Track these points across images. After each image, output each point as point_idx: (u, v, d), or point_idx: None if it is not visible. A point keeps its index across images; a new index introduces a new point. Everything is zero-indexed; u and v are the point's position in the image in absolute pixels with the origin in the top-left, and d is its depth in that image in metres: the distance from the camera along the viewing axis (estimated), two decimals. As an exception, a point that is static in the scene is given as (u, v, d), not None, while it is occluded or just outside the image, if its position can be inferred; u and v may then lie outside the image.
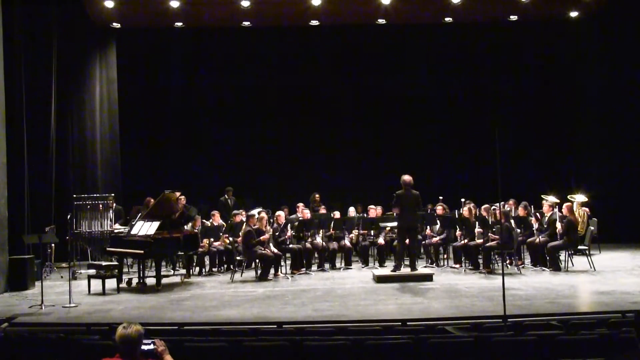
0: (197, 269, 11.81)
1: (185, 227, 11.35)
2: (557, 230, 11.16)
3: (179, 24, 14.47)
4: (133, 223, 10.97)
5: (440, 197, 12.71)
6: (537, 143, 16.23)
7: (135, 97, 15.51)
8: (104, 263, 10.49)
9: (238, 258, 11.41)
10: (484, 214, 11.68)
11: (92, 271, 10.25)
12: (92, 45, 14.64)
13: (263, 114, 16.29)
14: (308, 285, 10.41)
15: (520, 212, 11.86)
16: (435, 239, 12.10)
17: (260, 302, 9.07)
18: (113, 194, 13.16)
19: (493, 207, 11.53)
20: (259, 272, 11.18)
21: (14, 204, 11.19)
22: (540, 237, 11.35)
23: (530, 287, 9.61)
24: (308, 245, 11.87)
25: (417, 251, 11.62)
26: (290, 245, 11.74)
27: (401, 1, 13.65)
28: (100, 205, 12.47)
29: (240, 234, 11.29)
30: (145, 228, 10.37)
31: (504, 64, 16.14)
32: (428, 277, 10.37)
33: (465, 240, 11.57)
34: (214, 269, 11.90)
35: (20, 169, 11.75)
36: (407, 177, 10.69)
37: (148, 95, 15.79)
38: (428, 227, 12.35)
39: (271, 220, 11.96)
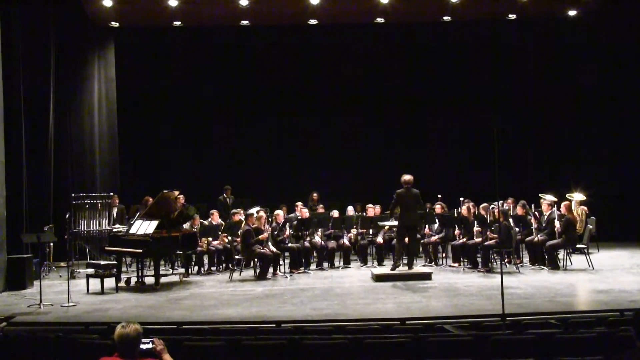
0: (196, 268, 11.81)
1: (184, 226, 11.35)
2: (555, 229, 11.17)
3: (178, 22, 14.46)
4: (132, 222, 10.96)
5: (439, 196, 12.72)
6: (536, 142, 16.25)
7: (133, 96, 15.50)
8: (102, 262, 10.48)
9: (237, 257, 11.40)
10: (483, 212, 11.69)
11: (91, 270, 10.24)
12: (91, 44, 14.64)
13: (261, 113, 16.29)
14: (307, 284, 10.41)
15: (519, 210, 11.87)
16: (434, 238, 12.11)
17: (259, 301, 9.08)
18: (116, 195, 13.22)
19: (492, 205, 11.53)
20: (257, 271, 11.19)
21: (12, 203, 11.19)
22: (538, 235, 11.36)
23: (529, 285, 9.62)
24: (307, 244, 11.87)
25: (416, 250, 11.63)
26: (289, 244, 11.74)
27: (400, 0, 13.64)
28: (99, 204, 12.46)
29: (239, 233, 11.29)
30: (143, 227, 10.36)
31: (503, 63, 16.14)
32: (427, 276, 10.38)
33: (464, 239, 11.58)
34: (212, 268, 11.90)
35: (18, 168, 11.75)
36: (407, 177, 10.69)
37: (147, 94, 15.78)
38: (427, 226, 12.35)
39: (270, 219, 11.97)
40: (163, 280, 10.51)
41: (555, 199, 11.89)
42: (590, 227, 12.06)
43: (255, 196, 14.43)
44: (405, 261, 10.93)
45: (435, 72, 16.25)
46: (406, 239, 10.93)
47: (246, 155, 16.18)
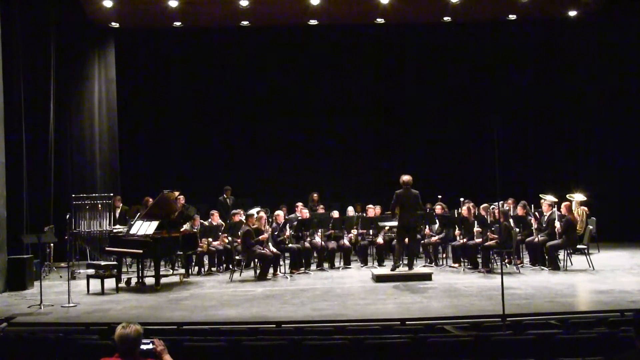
0: (196, 268, 11.81)
1: (184, 226, 11.35)
2: (556, 230, 11.17)
3: (178, 23, 14.46)
4: (132, 222, 10.96)
5: (439, 197, 12.71)
6: (536, 142, 16.25)
7: (134, 97, 15.51)
8: (102, 263, 10.48)
9: (237, 257, 11.40)
10: (483, 213, 11.69)
11: (91, 271, 10.24)
12: (91, 44, 14.64)
13: (262, 113, 16.29)
14: (307, 284, 10.41)
15: (519, 211, 11.87)
16: (434, 239, 12.11)
17: (259, 301, 9.07)
18: (119, 196, 13.25)
19: (492, 206, 11.53)
20: (257, 271, 11.19)
21: (13, 204, 11.18)
22: (539, 236, 11.36)
23: (529, 286, 9.62)
24: (307, 244, 11.87)
25: (416, 251, 11.60)
26: (289, 245, 11.74)
27: (400, 1, 13.64)
28: (99, 205, 12.47)
29: (239, 233, 11.28)
30: (144, 228, 10.36)
31: (503, 63, 16.15)
32: (427, 277, 10.37)
33: (464, 240, 11.58)
34: (212, 269, 11.90)
35: (19, 168, 11.75)
36: (406, 177, 10.69)
37: (147, 95, 15.80)
38: (427, 226, 12.35)
39: (270, 219, 11.97)
40: (163, 280, 10.51)
41: (556, 200, 11.88)
42: (591, 227, 12.06)
43: (256, 197, 14.43)
44: (405, 262, 10.92)
45: (436, 73, 16.24)
46: (406, 240, 10.93)
47: (246, 155, 16.18)
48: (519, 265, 11.23)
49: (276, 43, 15.92)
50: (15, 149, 11.65)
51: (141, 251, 10.20)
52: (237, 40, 15.77)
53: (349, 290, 9.79)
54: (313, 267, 11.96)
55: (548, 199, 11.89)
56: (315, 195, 14.53)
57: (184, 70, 16.04)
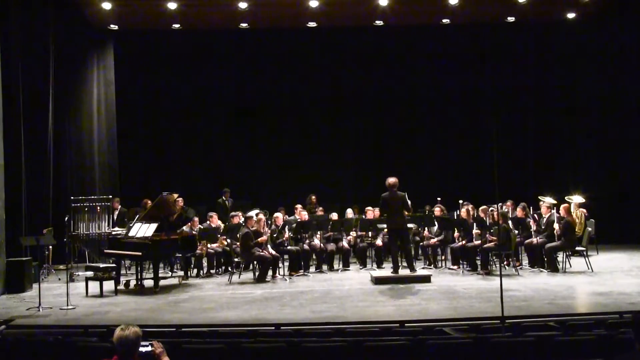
0: (195, 270, 11.80)
1: (183, 228, 11.34)
2: (554, 232, 11.18)
3: (177, 25, 14.47)
4: (131, 225, 10.96)
5: (439, 199, 12.72)
6: (535, 144, 16.26)
7: (133, 99, 15.52)
8: (101, 265, 10.46)
9: (236, 260, 11.40)
10: (482, 215, 11.69)
11: (90, 273, 10.21)
12: (90, 46, 14.65)
13: (261, 115, 16.30)
14: (306, 286, 10.41)
15: (519, 213, 11.88)
16: (433, 241, 12.11)
17: (258, 303, 9.07)
18: (117, 198, 13.26)
19: (491, 208, 11.53)
20: (256, 273, 11.18)
21: (11, 206, 11.17)
22: (538, 238, 11.37)
23: (528, 288, 9.62)
24: (306, 246, 11.87)
25: (411, 251, 11.52)
26: (288, 247, 11.74)
27: (398, 3, 13.67)
28: (98, 207, 12.46)
29: (238, 235, 11.28)
30: (143, 230, 10.35)
31: (502, 65, 16.16)
32: (426, 279, 10.37)
33: (463, 242, 11.58)
34: (211, 271, 11.89)
35: (17, 170, 11.74)
36: (391, 179, 10.67)
37: (146, 97, 15.80)
38: (426, 228, 12.35)
39: (269, 221, 11.96)
40: (162, 283, 10.50)
41: (555, 202, 11.89)
42: (590, 229, 12.08)
43: (255, 199, 14.43)
44: (404, 264, 10.91)
45: (435, 75, 16.24)
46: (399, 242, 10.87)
47: (245, 158, 16.19)
48: (517, 267, 11.22)
49: (275, 45, 15.93)
50: (14, 151, 11.64)
51: (140, 253, 10.19)
52: (236, 42, 15.79)
53: (348, 292, 9.79)
54: (312, 269, 11.96)
55: (547, 200, 11.90)
56: (314, 197, 14.54)
57: (182, 72, 16.04)
